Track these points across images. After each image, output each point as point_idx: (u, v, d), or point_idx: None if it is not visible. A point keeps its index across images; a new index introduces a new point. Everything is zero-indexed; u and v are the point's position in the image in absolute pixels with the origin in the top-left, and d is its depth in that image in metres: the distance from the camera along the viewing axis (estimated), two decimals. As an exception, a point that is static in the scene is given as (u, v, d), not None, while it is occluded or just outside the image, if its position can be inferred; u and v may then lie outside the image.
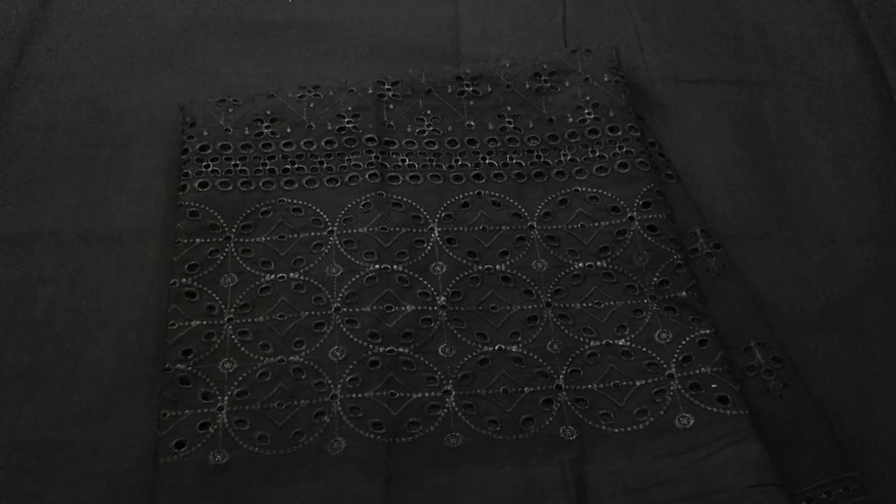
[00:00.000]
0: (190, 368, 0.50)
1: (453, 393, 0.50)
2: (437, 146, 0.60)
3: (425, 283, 0.54)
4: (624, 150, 0.59)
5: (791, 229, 0.60)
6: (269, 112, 0.61)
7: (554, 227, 0.57)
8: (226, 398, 0.49)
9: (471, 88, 0.63)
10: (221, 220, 0.56)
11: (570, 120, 0.61)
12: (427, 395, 0.50)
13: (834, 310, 0.56)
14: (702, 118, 0.65)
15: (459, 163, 0.59)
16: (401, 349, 0.51)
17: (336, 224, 0.56)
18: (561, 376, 0.51)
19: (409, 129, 0.61)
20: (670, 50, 0.69)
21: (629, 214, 0.56)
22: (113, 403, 0.50)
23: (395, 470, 0.47)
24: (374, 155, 0.59)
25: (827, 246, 0.59)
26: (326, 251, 0.55)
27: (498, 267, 0.55)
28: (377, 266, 0.54)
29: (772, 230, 0.59)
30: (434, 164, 0.59)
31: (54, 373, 0.51)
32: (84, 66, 0.65)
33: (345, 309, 0.52)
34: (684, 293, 0.53)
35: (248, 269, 0.54)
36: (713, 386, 0.49)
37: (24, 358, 0.52)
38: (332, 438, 0.48)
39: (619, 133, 0.60)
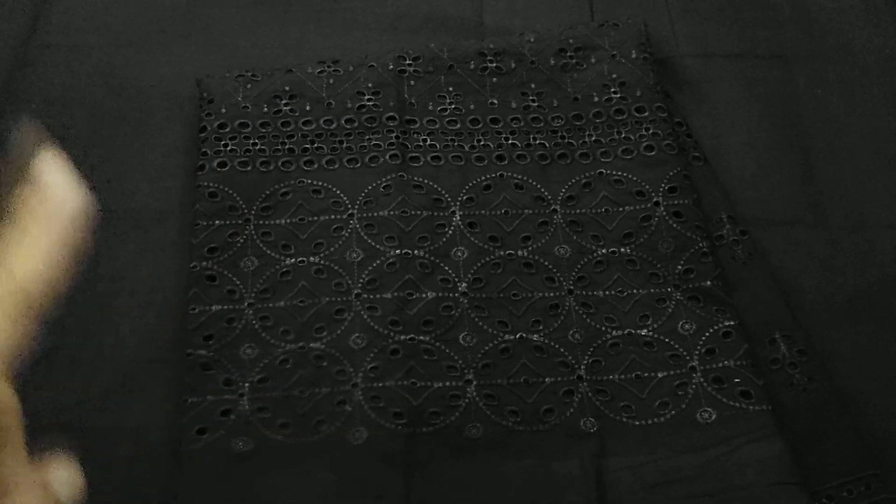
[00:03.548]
0: (211, 354, 0.50)
1: (474, 382, 0.50)
2: (458, 125, 0.59)
3: (446, 268, 0.53)
4: (650, 131, 0.58)
5: (821, 214, 0.58)
6: (287, 88, 0.59)
7: (577, 211, 0.56)
8: (247, 385, 0.49)
9: (494, 64, 0.61)
10: (240, 202, 0.55)
11: (596, 99, 0.60)
12: (448, 384, 0.50)
13: (863, 299, 0.55)
14: (732, 95, 0.63)
15: (482, 143, 0.58)
16: (422, 337, 0.51)
17: (356, 207, 0.55)
18: (582, 366, 0.50)
19: (430, 107, 0.60)
20: (701, 23, 0.66)
21: (654, 199, 0.55)
22: (134, 388, 0.50)
23: (415, 461, 0.47)
24: (394, 135, 0.58)
25: (857, 232, 0.57)
26: (347, 235, 0.54)
27: (520, 252, 0.54)
28: (398, 251, 0.53)
29: (801, 215, 0.58)
30: (456, 144, 0.58)
31: (75, 356, 0.51)
32: (98, 37, 0.64)
33: (365, 295, 0.52)
34: (709, 283, 0.52)
35: (269, 252, 0.54)
36: (736, 380, 0.49)
37: (44, 340, 0.52)
38: (354, 428, 0.48)
39: (646, 114, 0.58)
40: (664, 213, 0.55)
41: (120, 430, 0.49)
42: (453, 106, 0.60)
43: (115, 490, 0.47)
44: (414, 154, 0.57)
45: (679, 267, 0.53)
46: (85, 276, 0.53)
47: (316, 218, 0.55)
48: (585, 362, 0.51)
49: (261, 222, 0.55)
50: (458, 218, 0.55)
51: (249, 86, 0.59)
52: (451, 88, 0.60)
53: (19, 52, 0.62)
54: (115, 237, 0.55)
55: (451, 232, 0.55)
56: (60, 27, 0.64)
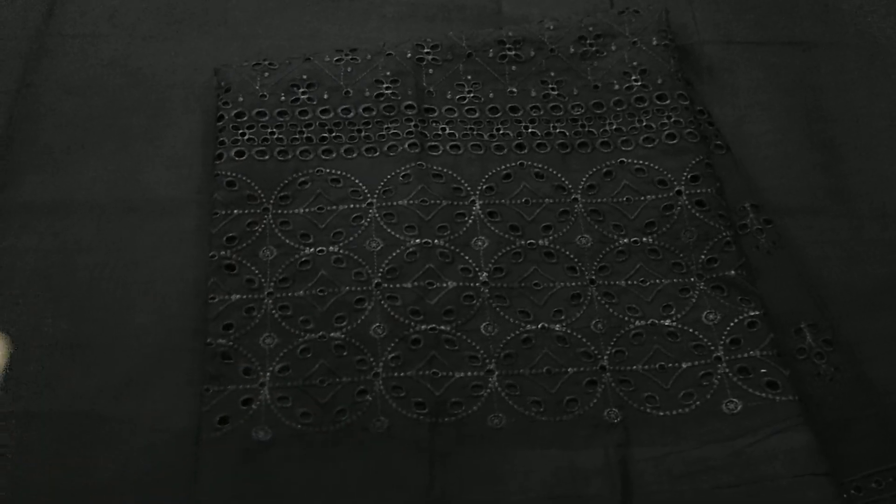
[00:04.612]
0: (231, 343, 0.50)
1: (496, 372, 0.49)
2: (477, 114, 0.58)
3: (467, 258, 0.53)
4: (672, 119, 0.57)
5: (844, 202, 0.58)
6: (305, 77, 0.59)
7: (598, 200, 0.55)
8: (268, 374, 0.49)
9: (513, 52, 0.61)
10: (259, 191, 0.55)
11: (616, 87, 0.59)
12: (470, 374, 0.49)
13: (887, 287, 0.54)
14: (753, 83, 0.62)
15: (501, 132, 0.58)
16: (443, 327, 0.50)
17: (375, 196, 0.55)
18: (605, 357, 0.50)
19: (448, 96, 0.59)
20: (722, 9, 0.66)
21: (677, 188, 0.55)
22: (154, 376, 0.50)
23: (438, 450, 0.47)
24: (413, 123, 0.57)
25: (880, 220, 0.57)
26: (366, 224, 0.54)
27: (541, 242, 0.54)
28: (418, 240, 0.53)
29: (824, 203, 0.57)
30: (475, 133, 0.58)
31: (95, 344, 0.51)
32: (115, 27, 0.63)
33: (386, 285, 0.52)
34: (733, 272, 0.52)
35: (288, 241, 0.53)
36: (762, 370, 0.48)
37: (64, 328, 0.52)
38: (375, 417, 0.47)
39: (668, 101, 0.58)
40: (686, 202, 0.54)
41: (140, 417, 0.49)
42: (472, 94, 0.59)
43: (135, 477, 0.47)
44: (433, 143, 0.57)
45: (702, 256, 0.52)
46: (104, 265, 0.53)
47: (335, 207, 0.54)
48: (608, 352, 0.50)
49: (279, 211, 0.54)
50: (478, 207, 0.55)
51: (267, 74, 0.59)
52: (469, 77, 0.60)
53: (36, 42, 0.62)
54: (134, 227, 0.55)
55: (471, 221, 0.54)
56: (77, 17, 0.64)
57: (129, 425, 0.49)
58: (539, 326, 0.51)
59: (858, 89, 0.62)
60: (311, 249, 0.53)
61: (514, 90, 0.59)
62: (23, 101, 0.60)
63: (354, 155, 0.56)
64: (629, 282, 0.52)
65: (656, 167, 0.56)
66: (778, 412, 0.47)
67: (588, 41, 0.61)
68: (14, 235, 0.55)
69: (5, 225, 0.55)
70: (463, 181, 0.55)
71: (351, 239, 0.53)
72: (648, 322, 0.51)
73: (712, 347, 0.50)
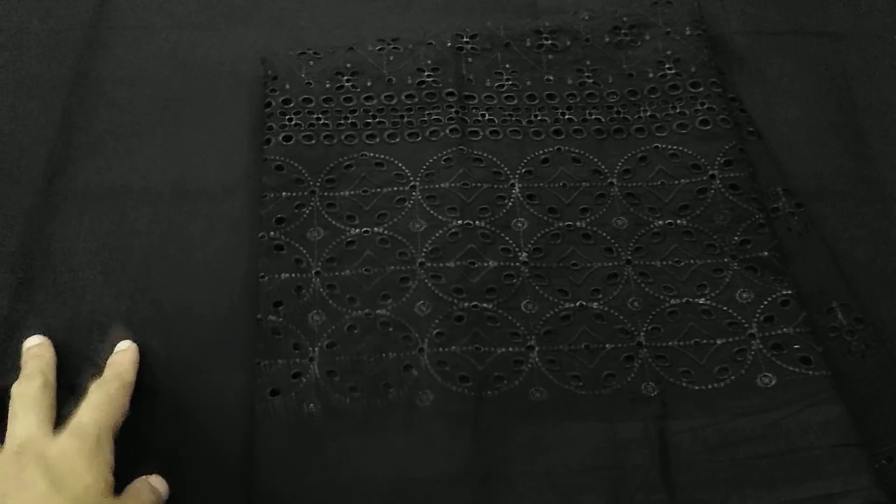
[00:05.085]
0: (281, 320, 0.52)
1: (536, 348, 0.51)
2: (516, 101, 0.60)
3: (507, 238, 0.55)
4: (706, 106, 0.59)
5: (872, 187, 0.59)
6: (349, 65, 0.61)
7: (634, 184, 0.57)
8: (316, 349, 0.51)
9: (549, 42, 0.63)
10: (306, 174, 0.57)
11: (651, 75, 0.61)
12: (511, 349, 0.51)
13: (914, 270, 0.56)
14: (783, 72, 0.64)
15: (539, 118, 0.60)
16: (485, 304, 0.52)
17: (418, 179, 0.57)
18: (642, 333, 0.52)
19: (487, 84, 0.61)
20: (753, 0, 0.67)
21: (710, 172, 0.56)
22: (208, 354, 0.52)
23: (482, 423, 0.49)
24: (454, 110, 0.59)
25: (907, 204, 0.58)
26: (410, 206, 0.56)
27: (578, 224, 0.55)
28: (460, 222, 0.55)
29: (853, 188, 0.59)
30: (514, 119, 0.59)
31: (150, 323, 0.53)
32: (165, 19, 0.66)
33: (429, 264, 0.53)
34: (766, 253, 0.53)
35: (334, 223, 0.55)
36: (795, 346, 0.50)
37: (120, 308, 0.54)
38: (421, 391, 0.49)
39: (701, 89, 0.59)
40: (720, 186, 0.56)
41: (196, 393, 0.51)
42: (510, 82, 0.61)
43: (193, 448, 0.49)
44: (473, 128, 0.59)
45: (736, 238, 0.54)
46: (158, 248, 0.56)
47: (379, 190, 0.56)
48: (645, 329, 0.52)
49: (326, 194, 0.56)
50: (518, 190, 0.56)
51: (312, 63, 0.61)
52: (507, 65, 0.62)
53: (89, 35, 0.65)
54: (186, 211, 0.57)
55: (510, 203, 0.56)
56: (128, 9, 0.66)
57: (186, 400, 0.51)
58: (577, 304, 0.53)
59: (887, 79, 0.64)
60: (357, 230, 0.55)
61: (551, 78, 0.61)
62: (77, 92, 0.62)
63: (397, 140, 0.58)
64: (664, 262, 0.54)
65: (690, 152, 0.57)
66: (811, 386, 0.49)
67: (622, 31, 0.63)
68: (70, 220, 0.57)
69: (61, 210, 0.57)
70: (503, 165, 0.57)
71: (395, 220, 0.55)
72: (683, 300, 0.53)
73: (746, 325, 0.51)
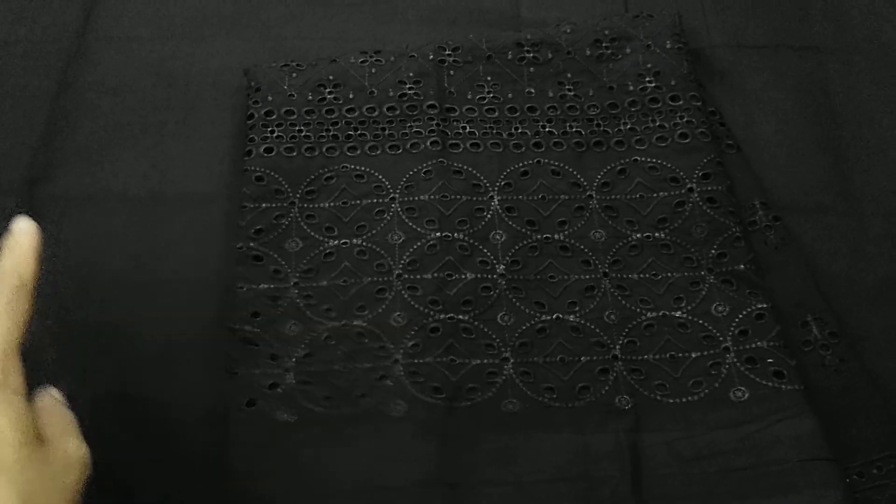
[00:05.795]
0: (257, 330, 0.52)
1: (511, 360, 0.51)
2: (496, 113, 0.61)
3: (485, 251, 0.55)
4: (685, 119, 0.59)
5: (851, 202, 0.59)
6: (331, 77, 0.61)
7: (612, 196, 0.57)
8: (293, 359, 0.51)
9: (531, 55, 0.63)
10: (286, 186, 0.57)
11: (631, 88, 0.61)
12: (486, 361, 0.51)
13: (892, 284, 0.56)
14: (763, 86, 0.64)
15: (519, 130, 0.60)
16: (461, 316, 0.52)
17: (398, 191, 0.57)
18: (617, 346, 0.52)
19: (469, 96, 0.61)
20: (734, 14, 0.68)
21: (688, 185, 0.57)
22: (181, 361, 0.52)
23: (452, 432, 0.49)
24: (435, 122, 0.59)
25: (887, 219, 0.58)
26: (388, 218, 0.56)
27: (556, 236, 0.56)
28: (438, 234, 0.55)
29: (832, 202, 0.59)
30: (494, 131, 0.60)
31: (124, 330, 0.53)
32: (150, 29, 0.66)
33: (406, 276, 0.54)
34: (742, 266, 0.54)
35: (313, 234, 0.56)
36: (769, 360, 0.50)
37: (94, 314, 0.54)
38: (393, 401, 0.50)
39: (681, 102, 0.60)
40: (698, 199, 0.56)
41: (169, 400, 0.51)
42: (491, 95, 0.61)
43: (165, 454, 0.50)
44: (454, 141, 0.59)
45: (713, 251, 0.54)
46: (135, 255, 0.56)
47: (359, 201, 0.57)
48: (621, 342, 0.52)
49: (305, 205, 0.57)
50: (497, 202, 0.57)
51: (295, 75, 0.61)
52: (489, 78, 0.62)
53: (74, 44, 0.65)
54: (165, 219, 0.58)
55: (489, 216, 0.56)
56: (114, 20, 0.67)
57: (158, 407, 0.51)
58: (554, 317, 0.53)
59: (867, 93, 0.64)
60: (336, 242, 0.55)
61: (532, 91, 0.62)
62: (62, 100, 0.62)
63: (378, 152, 0.59)
64: (641, 275, 0.54)
65: (669, 165, 0.58)
66: (784, 400, 0.49)
67: (604, 44, 0.63)
68: (51, 226, 0.57)
69: (43, 216, 0.57)
70: (482, 177, 0.58)
71: (374, 232, 0.56)
72: (660, 313, 0.53)
73: (721, 338, 0.51)
